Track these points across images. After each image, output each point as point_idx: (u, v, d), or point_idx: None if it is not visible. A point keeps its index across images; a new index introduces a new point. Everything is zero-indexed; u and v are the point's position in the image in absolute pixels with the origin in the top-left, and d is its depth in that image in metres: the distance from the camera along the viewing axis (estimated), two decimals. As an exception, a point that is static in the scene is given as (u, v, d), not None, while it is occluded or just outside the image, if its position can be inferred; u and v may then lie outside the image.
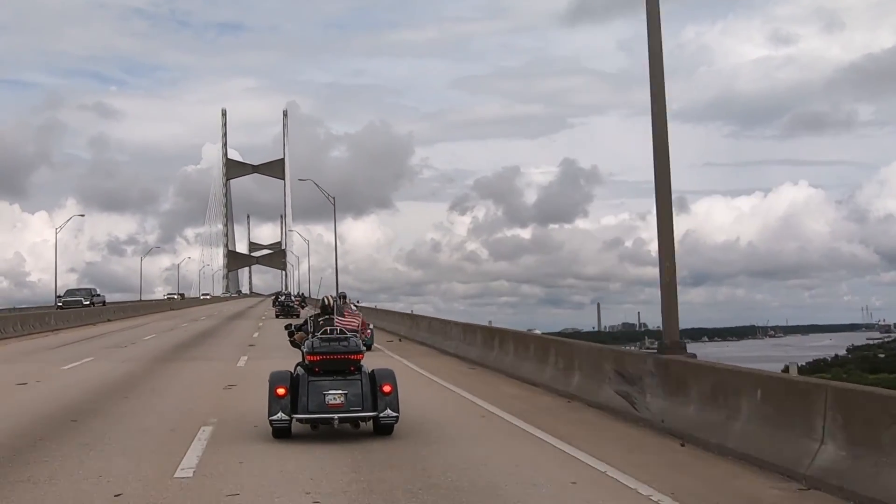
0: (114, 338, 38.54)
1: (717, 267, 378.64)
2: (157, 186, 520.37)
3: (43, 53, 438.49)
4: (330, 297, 13.34)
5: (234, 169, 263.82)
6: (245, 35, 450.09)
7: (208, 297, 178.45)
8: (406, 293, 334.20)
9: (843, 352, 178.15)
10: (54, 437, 12.42)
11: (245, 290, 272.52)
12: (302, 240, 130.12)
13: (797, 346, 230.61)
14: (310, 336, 12.44)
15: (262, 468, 10.09)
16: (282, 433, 11.67)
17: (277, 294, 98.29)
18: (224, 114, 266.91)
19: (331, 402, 11.46)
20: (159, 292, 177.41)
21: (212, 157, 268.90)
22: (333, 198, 75.09)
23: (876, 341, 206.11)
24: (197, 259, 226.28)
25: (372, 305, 51.34)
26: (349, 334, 12.23)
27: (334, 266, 72.24)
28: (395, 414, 11.67)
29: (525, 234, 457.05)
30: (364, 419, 11.73)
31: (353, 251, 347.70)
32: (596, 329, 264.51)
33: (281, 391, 11.48)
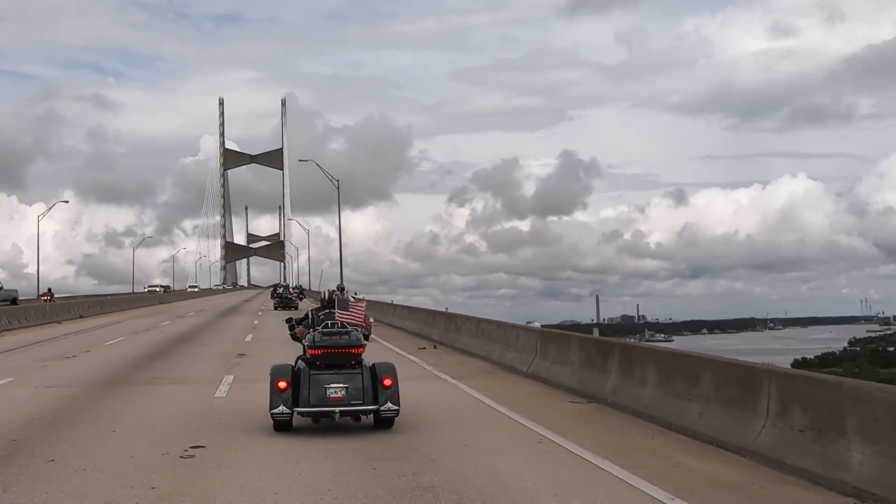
0: (69, 342, 30.11)
1: (716, 259, 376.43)
2: (155, 178, 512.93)
3: (41, 44, 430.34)
4: (328, 291, 12.86)
5: (231, 159, 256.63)
6: (244, 27, 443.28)
7: (196, 289, 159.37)
8: (404, 285, 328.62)
9: (844, 344, 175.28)
10: None
11: (243, 281, 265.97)
12: (302, 229, 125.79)
13: (798, 339, 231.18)
14: (311, 330, 12.17)
15: None
16: (283, 426, 11.44)
17: (276, 286, 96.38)
18: (221, 102, 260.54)
19: (332, 395, 11.32)
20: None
21: (210, 149, 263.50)
22: (338, 180, 67.80)
23: (877, 334, 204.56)
24: (194, 250, 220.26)
25: (388, 300, 43.14)
26: (350, 328, 11.91)
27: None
28: (395, 407, 11.53)
29: (524, 226, 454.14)
30: (365, 413, 11.59)
31: (351, 243, 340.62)
32: (595, 321, 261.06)
33: (282, 384, 11.33)
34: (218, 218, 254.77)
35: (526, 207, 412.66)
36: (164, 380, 18.12)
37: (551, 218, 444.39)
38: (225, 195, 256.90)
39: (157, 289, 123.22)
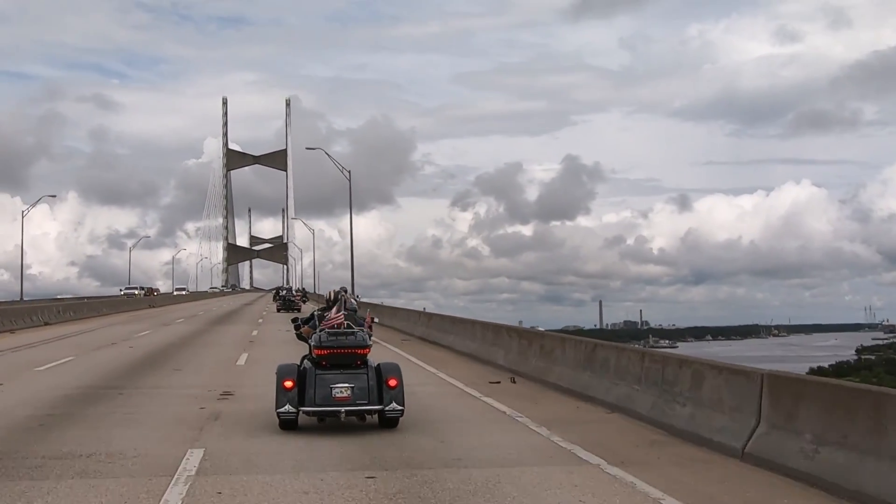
0: (-6, 364, 21.34)
1: (719, 265, 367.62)
2: (157, 180, 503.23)
3: (44, 45, 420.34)
4: (333, 292, 12.46)
5: (234, 159, 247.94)
6: (247, 28, 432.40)
7: (184, 291, 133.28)
8: (406, 289, 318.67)
9: (851, 352, 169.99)
10: None
11: (245, 284, 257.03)
12: (307, 229, 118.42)
13: (803, 346, 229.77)
14: (316, 330, 11.69)
15: None
16: (289, 425, 11.22)
17: (278, 289, 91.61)
18: (225, 102, 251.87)
19: (337, 395, 11.10)
20: (161, 286, 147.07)
21: (213, 150, 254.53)
22: (349, 171, 59.44)
23: (883, 341, 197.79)
24: (195, 252, 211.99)
25: (419, 307, 34.57)
26: (356, 329, 11.54)
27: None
28: (400, 407, 11.30)
29: (526, 230, 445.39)
30: (370, 412, 11.36)
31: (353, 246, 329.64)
32: (598, 326, 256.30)
33: (289, 384, 11.15)
34: (220, 220, 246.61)
35: (529, 212, 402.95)
36: (68, 471, 9.33)
37: (554, 222, 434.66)
38: (228, 196, 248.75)
39: (136, 292, 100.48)
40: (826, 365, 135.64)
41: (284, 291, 70.01)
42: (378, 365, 11.46)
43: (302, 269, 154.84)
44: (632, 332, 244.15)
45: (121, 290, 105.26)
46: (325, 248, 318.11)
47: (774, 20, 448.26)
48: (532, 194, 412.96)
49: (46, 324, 39.81)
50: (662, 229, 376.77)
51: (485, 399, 14.65)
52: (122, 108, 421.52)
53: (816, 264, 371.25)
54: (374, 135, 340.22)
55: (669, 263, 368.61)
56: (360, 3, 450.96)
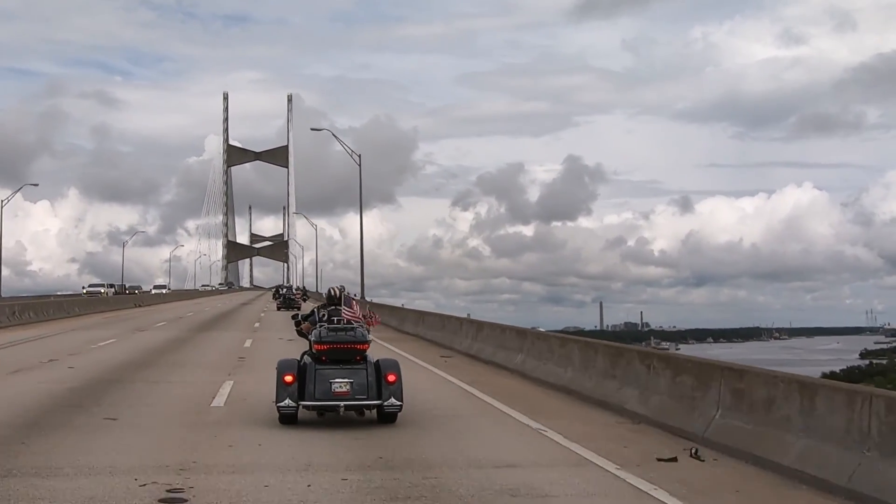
0: None
1: (720, 267, 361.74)
2: (159, 177, 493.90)
3: (48, 42, 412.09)
4: (335, 289, 12.23)
5: (235, 155, 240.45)
6: (251, 27, 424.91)
7: (164, 290, 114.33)
8: (407, 289, 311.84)
9: (853, 356, 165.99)
10: None
11: (245, 282, 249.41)
12: (310, 225, 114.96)
13: (806, 349, 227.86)
14: (317, 326, 11.69)
15: None
16: (288, 419, 11.19)
17: (279, 287, 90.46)
18: (226, 97, 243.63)
19: (337, 390, 11.04)
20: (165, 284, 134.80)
21: (214, 147, 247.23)
22: (359, 155, 52.19)
23: (886, 345, 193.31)
24: (194, 249, 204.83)
25: (462, 314, 26.88)
26: (355, 324, 11.53)
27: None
28: (398, 403, 11.22)
29: (528, 231, 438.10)
30: (369, 407, 11.28)
31: (354, 246, 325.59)
32: (598, 328, 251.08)
33: (289, 378, 11.05)
34: (221, 217, 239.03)
35: (530, 212, 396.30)
36: None
37: (555, 223, 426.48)
38: (228, 193, 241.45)
39: (102, 290, 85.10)
40: (837, 370, 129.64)
41: (284, 290, 69.24)
42: (377, 360, 11.44)
43: (303, 268, 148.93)
44: (632, 334, 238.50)
45: (83, 289, 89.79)
46: (327, 248, 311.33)
47: (779, 23, 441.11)
48: (533, 195, 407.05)
49: (-5, 328, 31.94)
50: (664, 231, 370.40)
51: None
52: (126, 106, 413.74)
53: (818, 267, 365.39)
54: (377, 134, 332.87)
55: (671, 265, 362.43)
56: (365, 3, 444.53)
